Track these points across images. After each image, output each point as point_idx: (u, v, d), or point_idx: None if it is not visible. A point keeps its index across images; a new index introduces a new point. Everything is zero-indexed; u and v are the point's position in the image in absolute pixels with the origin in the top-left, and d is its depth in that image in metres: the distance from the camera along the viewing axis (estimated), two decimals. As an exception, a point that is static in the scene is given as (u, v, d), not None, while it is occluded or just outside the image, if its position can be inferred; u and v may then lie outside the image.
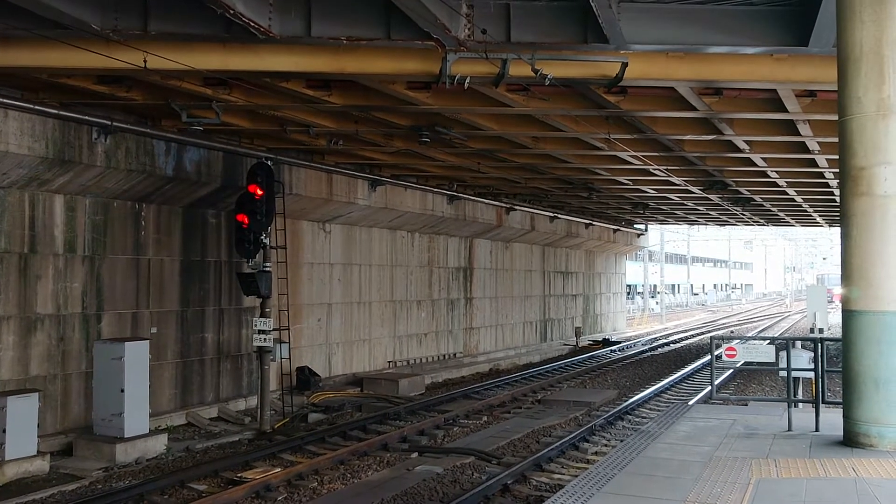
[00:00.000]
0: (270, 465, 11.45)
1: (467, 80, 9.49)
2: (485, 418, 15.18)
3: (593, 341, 32.30)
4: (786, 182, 20.66)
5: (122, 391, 11.80)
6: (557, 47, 8.90)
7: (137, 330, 13.82)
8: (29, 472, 10.75)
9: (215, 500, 9.46)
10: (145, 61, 8.96)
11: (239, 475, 10.67)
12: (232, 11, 7.62)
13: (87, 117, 11.97)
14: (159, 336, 14.22)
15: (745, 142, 14.99)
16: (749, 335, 34.54)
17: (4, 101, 10.89)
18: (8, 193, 11.82)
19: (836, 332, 9.03)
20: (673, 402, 16.11)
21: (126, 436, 11.77)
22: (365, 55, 9.38)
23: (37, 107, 11.26)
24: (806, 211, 28.98)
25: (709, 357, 12.02)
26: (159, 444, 12.26)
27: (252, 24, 7.99)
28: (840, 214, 8.42)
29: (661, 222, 39.38)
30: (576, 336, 31.78)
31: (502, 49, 8.80)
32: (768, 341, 10.14)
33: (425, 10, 7.74)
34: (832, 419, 9.20)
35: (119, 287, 13.56)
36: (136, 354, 12.09)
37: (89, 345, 12.79)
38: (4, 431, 10.58)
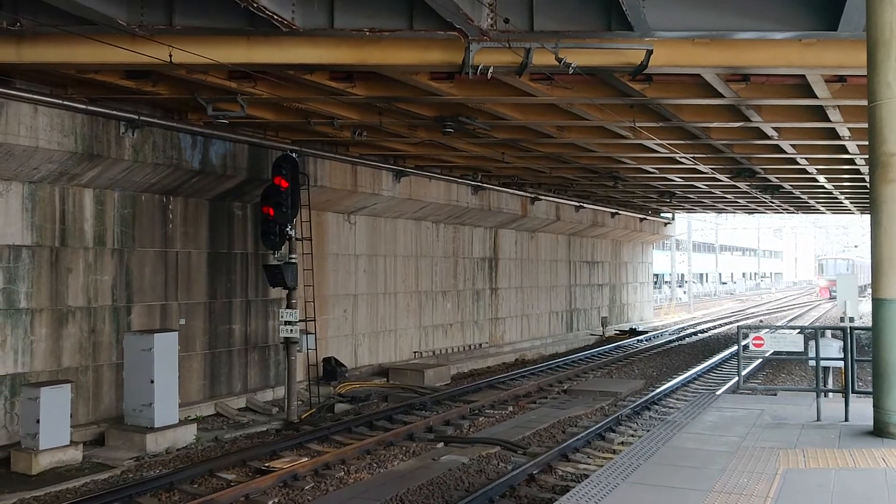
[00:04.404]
0: (298, 454, 11.56)
1: (490, 70, 9.45)
2: (510, 408, 15.18)
3: (620, 331, 32.16)
4: (815, 169, 20.35)
5: (152, 382, 11.98)
6: (581, 35, 8.83)
7: (166, 322, 14.01)
8: (62, 461, 10.97)
9: (244, 490, 9.58)
10: (171, 56, 9.05)
11: (267, 465, 10.79)
12: (255, 5, 7.66)
13: (114, 112, 12.12)
14: (188, 327, 14.40)
15: (774, 128, 14.78)
16: (778, 324, 34.14)
17: (34, 96, 11.06)
18: (39, 188, 12.02)
19: (868, 321, 8.90)
20: (700, 392, 15.99)
21: (156, 426, 11.95)
22: (388, 46, 9.38)
23: (65, 102, 11.43)
24: (836, 198, 28.53)
25: (737, 347, 11.91)
26: (189, 433, 12.44)
27: (275, 17, 8.03)
28: (870, 202, 8.27)
29: (689, 211, 38.98)
30: (602, 326, 31.64)
31: (525, 38, 8.75)
32: (797, 331, 10.02)
33: (448, 1, 7.72)
34: (862, 409, 9.08)
35: (148, 279, 13.75)
36: (166, 346, 12.25)
37: (119, 336, 13.00)
38: (38, 422, 10.79)
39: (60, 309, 12.34)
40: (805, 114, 13.60)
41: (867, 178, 10.61)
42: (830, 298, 60.79)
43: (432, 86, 11.25)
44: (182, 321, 14.33)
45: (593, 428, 12.65)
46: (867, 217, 8.61)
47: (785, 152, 17.23)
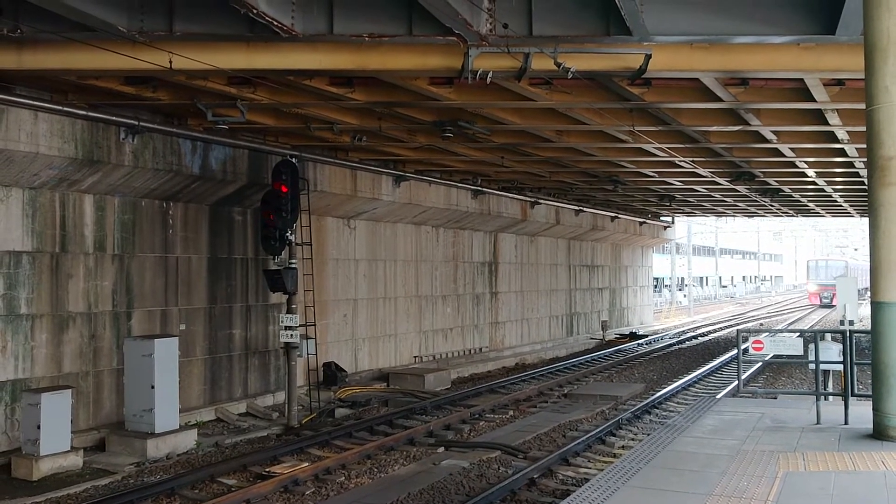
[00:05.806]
0: (298, 459, 11.56)
1: (490, 75, 9.48)
2: (511, 413, 15.18)
3: (620, 335, 32.14)
4: (815, 172, 20.38)
5: (153, 387, 11.98)
6: (580, 40, 8.85)
7: (166, 327, 14.01)
8: (63, 467, 10.97)
9: (245, 495, 9.58)
10: (171, 62, 9.07)
11: (267, 470, 10.79)
12: (255, 11, 7.69)
13: (114, 118, 12.14)
14: (188, 333, 14.41)
15: (773, 132, 14.80)
16: (778, 328, 34.15)
17: (34, 103, 11.09)
18: (39, 194, 12.04)
19: (867, 324, 8.92)
20: (700, 396, 15.99)
21: (157, 431, 11.94)
22: (387, 51, 9.40)
23: (65, 108, 11.45)
24: (836, 201, 28.55)
25: (737, 350, 11.92)
26: (189, 439, 12.43)
27: (275, 22, 8.06)
28: (868, 205, 8.29)
29: (688, 214, 39.01)
30: (602, 330, 31.63)
31: (524, 43, 8.78)
32: (797, 334, 10.03)
33: (447, 6, 7.75)
34: (862, 412, 9.08)
35: (148, 285, 13.75)
36: (166, 351, 12.25)
37: (120, 342, 13.00)
38: (39, 427, 10.78)
39: (61, 314, 12.35)
40: (804, 117, 13.64)
41: (866, 182, 10.64)
42: (822, 306, 54.34)
43: (432, 91, 11.28)
44: (182, 326, 14.33)
45: (594, 432, 12.65)
46: (867, 220, 8.62)
47: (784, 156, 17.27)
